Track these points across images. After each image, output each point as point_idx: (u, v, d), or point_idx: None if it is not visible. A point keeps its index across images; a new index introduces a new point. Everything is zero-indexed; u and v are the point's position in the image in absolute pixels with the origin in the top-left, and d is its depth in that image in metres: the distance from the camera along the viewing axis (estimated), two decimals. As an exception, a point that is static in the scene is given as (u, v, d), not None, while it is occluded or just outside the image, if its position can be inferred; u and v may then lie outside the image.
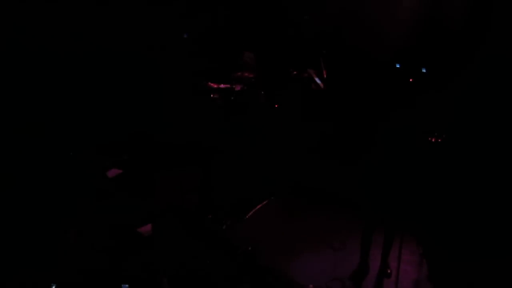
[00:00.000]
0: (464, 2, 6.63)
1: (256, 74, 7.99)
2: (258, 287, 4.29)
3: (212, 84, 7.88)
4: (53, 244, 4.76)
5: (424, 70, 6.86)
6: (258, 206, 5.93)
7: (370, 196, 4.46)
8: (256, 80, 7.92)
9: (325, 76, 7.29)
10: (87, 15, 7.47)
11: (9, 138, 6.21)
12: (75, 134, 6.96)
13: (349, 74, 7.31)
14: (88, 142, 6.98)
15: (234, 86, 7.54)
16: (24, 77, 6.78)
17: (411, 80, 6.96)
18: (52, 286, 4.01)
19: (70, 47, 7.34)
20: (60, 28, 7.19)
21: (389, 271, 4.66)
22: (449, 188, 5.47)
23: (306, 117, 7.13)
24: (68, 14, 7.23)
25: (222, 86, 7.85)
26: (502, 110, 5.82)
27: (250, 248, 4.86)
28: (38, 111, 6.73)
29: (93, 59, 7.58)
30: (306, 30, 7.88)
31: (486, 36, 6.23)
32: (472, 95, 6.11)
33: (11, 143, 6.16)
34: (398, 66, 7.07)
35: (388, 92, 6.63)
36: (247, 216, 5.73)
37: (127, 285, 4.06)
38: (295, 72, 7.53)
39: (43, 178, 5.72)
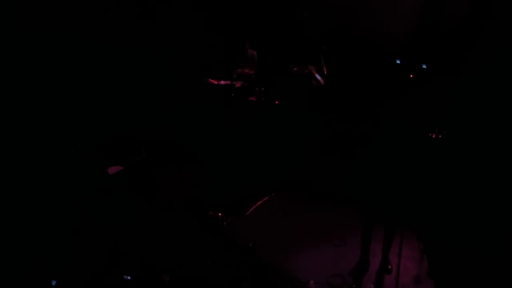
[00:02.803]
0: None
1: (256, 71, 8.01)
2: (258, 284, 4.29)
3: (212, 81, 7.90)
4: (53, 240, 4.77)
5: (424, 66, 6.86)
6: (259, 203, 5.93)
7: (370, 192, 4.45)
8: (257, 77, 7.94)
9: (325, 72, 7.29)
10: (85, 13, 7.49)
11: (6, 137, 6.21)
12: (77, 132, 6.98)
13: (349, 70, 7.31)
14: (87, 140, 7.00)
15: (234, 83, 7.54)
16: (21, 76, 6.80)
17: (411, 76, 6.97)
18: (53, 282, 4.01)
19: (70, 45, 7.36)
20: (58, 28, 7.21)
21: (389, 267, 4.66)
22: (450, 184, 5.47)
23: (306, 113, 7.13)
24: (65, 13, 7.25)
25: (222, 82, 7.86)
26: (502, 106, 5.82)
27: (250, 245, 4.86)
28: (35, 109, 6.73)
29: (93, 57, 7.60)
30: (306, 26, 7.88)
31: (486, 33, 6.22)
32: (473, 92, 6.10)
33: (9, 142, 6.17)
34: (398, 62, 7.07)
35: (388, 88, 6.63)
36: (247, 213, 5.73)
37: (129, 277, 4.07)
38: (295, 69, 7.53)
39: (43, 176, 5.72)
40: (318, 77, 7.25)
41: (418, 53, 6.95)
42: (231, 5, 8.72)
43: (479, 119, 5.78)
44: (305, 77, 7.38)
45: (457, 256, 4.78)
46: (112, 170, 6.64)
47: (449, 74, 6.40)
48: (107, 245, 4.72)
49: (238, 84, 7.57)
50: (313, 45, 7.67)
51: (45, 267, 4.36)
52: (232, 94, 7.60)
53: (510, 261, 4.57)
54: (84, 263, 4.43)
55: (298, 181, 6.45)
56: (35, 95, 6.87)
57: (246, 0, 8.58)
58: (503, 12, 5.98)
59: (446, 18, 6.73)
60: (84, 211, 5.20)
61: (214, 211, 5.60)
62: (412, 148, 4.31)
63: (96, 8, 7.57)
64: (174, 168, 5.95)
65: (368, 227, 4.58)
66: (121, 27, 7.93)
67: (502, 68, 5.73)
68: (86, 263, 4.42)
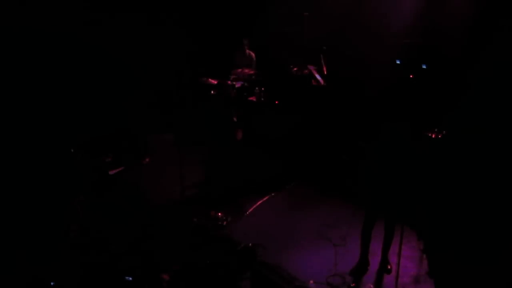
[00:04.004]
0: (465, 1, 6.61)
1: (255, 71, 8.01)
2: (258, 283, 4.29)
3: (212, 81, 7.90)
4: (53, 240, 4.77)
5: (424, 66, 6.86)
6: (259, 203, 5.94)
7: (370, 192, 4.46)
8: (257, 77, 7.94)
9: (325, 72, 7.29)
10: (79, 14, 7.51)
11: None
12: (78, 131, 6.99)
13: (349, 70, 7.30)
14: (87, 138, 7.01)
15: (234, 83, 7.53)
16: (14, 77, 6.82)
17: (411, 76, 6.97)
18: (52, 284, 4.02)
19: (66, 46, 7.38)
20: (52, 30, 7.23)
21: (389, 267, 4.67)
22: (450, 184, 5.47)
23: (306, 113, 7.13)
24: (59, 14, 7.27)
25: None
26: (503, 108, 5.81)
27: (250, 245, 4.87)
28: (28, 109, 6.74)
29: (93, 55, 7.61)
30: (306, 26, 7.87)
31: (491, 35, 6.20)
32: (473, 92, 6.09)
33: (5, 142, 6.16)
34: (398, 62, 7.07)
35: (388, 88, 6.63)
36: (247, 213, 5.74)
37: (130, 278, 4.07)
38: (295, 69, 7.53)
39: (41, 175, 5.72)
40: (318, 77, 7.25)
41: (419, 54, 6.95)
42: (231, 5, 8.74)
43: (480, 120, 5.77)
44: (305, 77, 7.38)
45: (456, 256, 4.78)
46: (112, 170, 6.65)
47: (450, 75, 6.40)
48: (107, 245, 4.72)
49: (238, 84, 7.57)
50: (313, 45, 7.67)
51: (43, 267, 4.36)
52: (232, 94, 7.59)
53: (509, 262, 4.58)
54: (84, 263, 4.43)
55: (298, 182, 6.46)
56: (29, 94, 6.89)
57: (246, 0, 8.59)
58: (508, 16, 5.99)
59: (448, 19, 6.72)
60: (83, 211, 5.20)
61: (214, 210, 5.61)
62: (412, 148, 4.31)
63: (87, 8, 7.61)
64: (174, 168, 5.95)
65: (368, 227, 4.59)
66: (120, 27, 7.95)
67: (505, 70, 5.72)
68: (86, 264, 4.42)
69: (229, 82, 6.98)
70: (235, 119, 6.12)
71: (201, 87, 7.95)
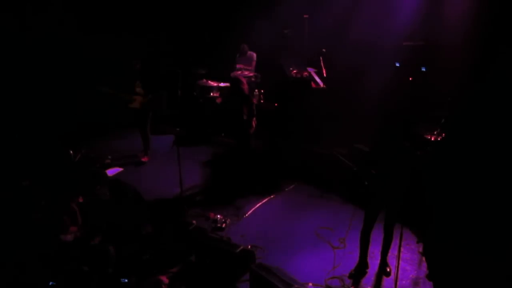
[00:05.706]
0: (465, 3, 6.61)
1: (255, 73, 8.02)
2: (257, 285, 4.28)
3: (212, 83, 7.91)
4: (51, 241, 4.76)
5: (423, 69, 6.87)
6: (258, 205, 5.94)
7: (370, 194, 4.45)
8: (256, 79, 7.95)
9: (325, 74, 7.29)
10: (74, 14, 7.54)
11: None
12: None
13: (349, 72, 7.30)
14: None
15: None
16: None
17: (410, 78, 6.97)
18: (50, 283, 4.01)
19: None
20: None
21: (388, 269, 4.66)
22: (450, 186, 5.47)
23: (306, 115, 7.13)
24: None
25: (221, 84, 7.88)
26: (504, 110, 5.81)
27: (249, 246, 4.87)
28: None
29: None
30: (306, 29, 7.89)
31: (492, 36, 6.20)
32: (474, 94, 6.09)
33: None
34: (397, 64, 7.07)
35: (388, 90, 6.63)
36: (246, 215, 5.74)
37: (126, 279, 4.07)
38: (295, 71, 7.54)
39: (39, 176, 5.71)
40: (318, 79, 7.26)
41: (418, 56, 6.96)
42: (231, 7, 8.76)
43: (480, 121, 5.76)
44: (305, 80, 7.38)
45: (456, 259, 4.78)
46: (111, 171, 6.65)
47: (450, 78, 6.40)
48: (104, 247, 4.71)
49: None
50: (312, 47, 7.68)
51: (41, 268, 4.35)
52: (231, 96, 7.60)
53: (508, 264, 4.57)
54: (81, 264, 4.42)
55: (298, 184, 6.45)
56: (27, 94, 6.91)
57: (246, 2, 8.61)
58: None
59: (448, 20, 6.72)
60: (81, 213, 5.19)
61: (213, 212, 5.60)
62: (412, 150, 4.30)
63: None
64: (173, 169, 5.94)
65: (367, 230, 4.58)
66: (119, 25, 7.97)
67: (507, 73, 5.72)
68: (84, 265, 4.41)
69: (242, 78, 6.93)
70: (245, 116, 6.10)
71: (201, 89, 7.97)
